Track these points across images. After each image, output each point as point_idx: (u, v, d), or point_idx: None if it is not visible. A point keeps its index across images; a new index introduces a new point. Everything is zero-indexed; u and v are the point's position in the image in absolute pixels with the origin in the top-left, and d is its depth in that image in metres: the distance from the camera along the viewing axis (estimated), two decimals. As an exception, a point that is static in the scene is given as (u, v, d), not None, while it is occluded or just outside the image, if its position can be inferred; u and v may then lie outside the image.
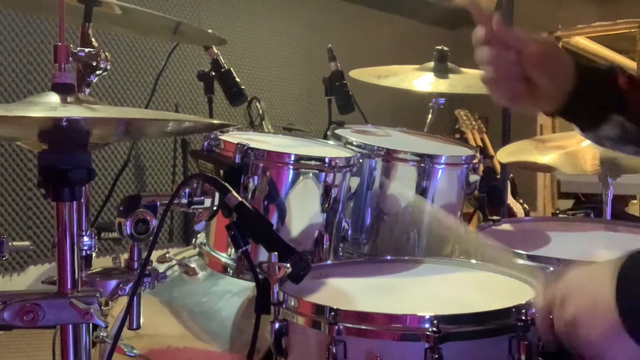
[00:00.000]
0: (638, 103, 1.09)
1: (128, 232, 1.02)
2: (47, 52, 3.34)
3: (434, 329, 0.93)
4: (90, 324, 0.96)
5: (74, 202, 0.92)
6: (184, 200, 1.11)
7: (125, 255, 1.08)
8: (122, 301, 1.14)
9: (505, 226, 1.64)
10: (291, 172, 1.34)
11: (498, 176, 2.21)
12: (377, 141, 1.57)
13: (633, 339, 0.77)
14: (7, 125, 0.82)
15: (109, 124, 0.91)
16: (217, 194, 1.11)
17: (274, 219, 1.34)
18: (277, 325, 1.04)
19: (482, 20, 1.09)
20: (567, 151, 2.04)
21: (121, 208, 1.03)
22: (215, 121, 1.08)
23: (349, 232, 1.50)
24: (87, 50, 1.25)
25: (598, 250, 1.42)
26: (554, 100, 1.10)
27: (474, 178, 1.57)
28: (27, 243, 1.19)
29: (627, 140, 1.12)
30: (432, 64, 2.10)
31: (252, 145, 1.31)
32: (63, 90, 0.90)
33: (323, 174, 1.35)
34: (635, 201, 4.61)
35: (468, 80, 2.12)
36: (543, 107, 1.13)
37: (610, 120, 1.10)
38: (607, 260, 0.83)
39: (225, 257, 1.39)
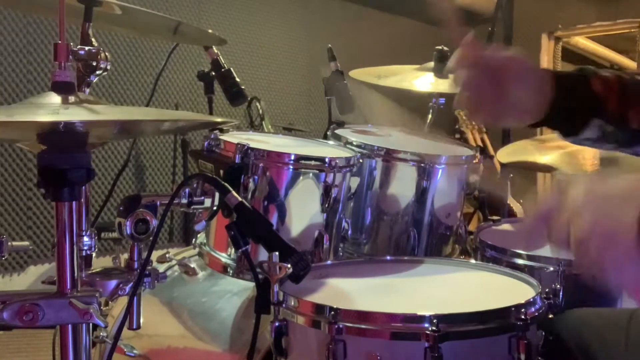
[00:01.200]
0: (614, 105, 1.10)
1: (128, 232, 1.02)
2: (47, 52, 3.34)
3: (434, 328, 0.93)
4: (90, 324, 0.96)
5: (74, 202, 0.92)
6: (184, 200, 1.11)
7: (125, 255, 1.08)
8: (122, 301, 1.14)
9: (505, 226, 1.64)
10: (291, 172, 1.34)
11: (498, 176, 2.21)
12: (377, 141, 1.57)
13: None
14: (6, 128, 0.82)
15: (108, 124, 0.91)
16: (217, 194, 1.11)
17: (274, 219, 1.34)
18: (277, 325, 1.04)
19: (458, 42, 1.09)
20: (567, 151, 2.05)
21: (121, 208, 1.03)
22: (208, 118, 1.07)
23: (349, 232, 1.50)
24: (87, 48, 1.25)
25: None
26: (535, 113, 1.11)
27: (474, 178, 1.57)
28: (26, 243, 1.19)
29: (606, 140, 1.13)
30: (432, 64, 2.11)
31: (252, 145, 1.31)
32: (63, 89, 0.90)
33: (323, 174, 1.35)
34: (635, 201, 4.60)
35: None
36: (525, 121, 1.13)
37: (590, 125, 1.11)
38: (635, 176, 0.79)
39: (225, 257, 1.39)
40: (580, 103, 1.10)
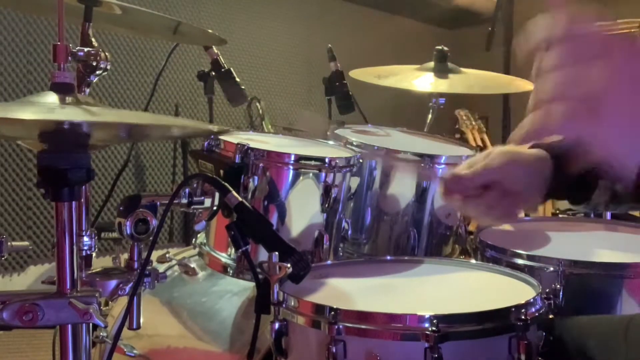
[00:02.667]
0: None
1: (128, 232, 1.02)
2: (47, 52, 3.33)
3: (434, 328, 0.92)
4: (90, 324, 0.96)
5: (74, 202, 0.92)
6: (184, 200, 1.11)
7: (125, 255, 1.08)
8: (122, 301, 1.14)
9: (505, 226, 1.64)
10: (291, 172, 1.34)
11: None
12: (377, 141, 1.57)
13: None
14: (6, 124, 0.82)
15: (111, 127, 0.91)
16: (217, 194, 1.11)
17: (274, 219, 1.34)
18: (277, 325, 1.04)
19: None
20: (567, 151, 2.04)
21: (121, 208, 1.03)
22: (216, 127, 1.07)
23: (349, 232, 1.50)
24: (86, 49, 1.25)
25: (598, 250, 1.42)
26: (541, 195, 1.13)
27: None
28: (26, 243, 1.19)
29: (619, 201, 1.13)
30: (432, 64, 2.11)
31: (252, 145, 1.31)
32: (62, 90, 0.90)
33: (323, 174, 1.35)
34: (635, 201, 4.60)
35: (468, 80, 2.13)
36: (534, 204, 1.14)
37: (598, 188, 1.11)
38: None
39: (225, 257, 1.39)
40: (584, 173, 1.11)
